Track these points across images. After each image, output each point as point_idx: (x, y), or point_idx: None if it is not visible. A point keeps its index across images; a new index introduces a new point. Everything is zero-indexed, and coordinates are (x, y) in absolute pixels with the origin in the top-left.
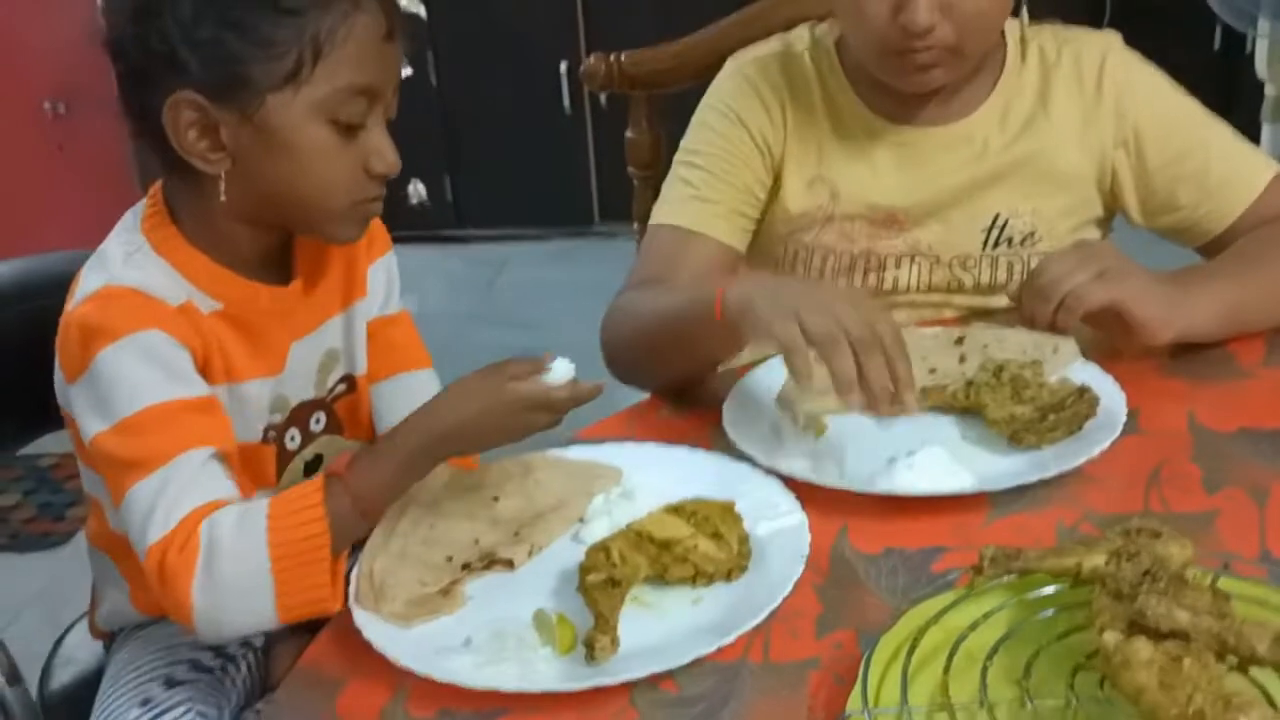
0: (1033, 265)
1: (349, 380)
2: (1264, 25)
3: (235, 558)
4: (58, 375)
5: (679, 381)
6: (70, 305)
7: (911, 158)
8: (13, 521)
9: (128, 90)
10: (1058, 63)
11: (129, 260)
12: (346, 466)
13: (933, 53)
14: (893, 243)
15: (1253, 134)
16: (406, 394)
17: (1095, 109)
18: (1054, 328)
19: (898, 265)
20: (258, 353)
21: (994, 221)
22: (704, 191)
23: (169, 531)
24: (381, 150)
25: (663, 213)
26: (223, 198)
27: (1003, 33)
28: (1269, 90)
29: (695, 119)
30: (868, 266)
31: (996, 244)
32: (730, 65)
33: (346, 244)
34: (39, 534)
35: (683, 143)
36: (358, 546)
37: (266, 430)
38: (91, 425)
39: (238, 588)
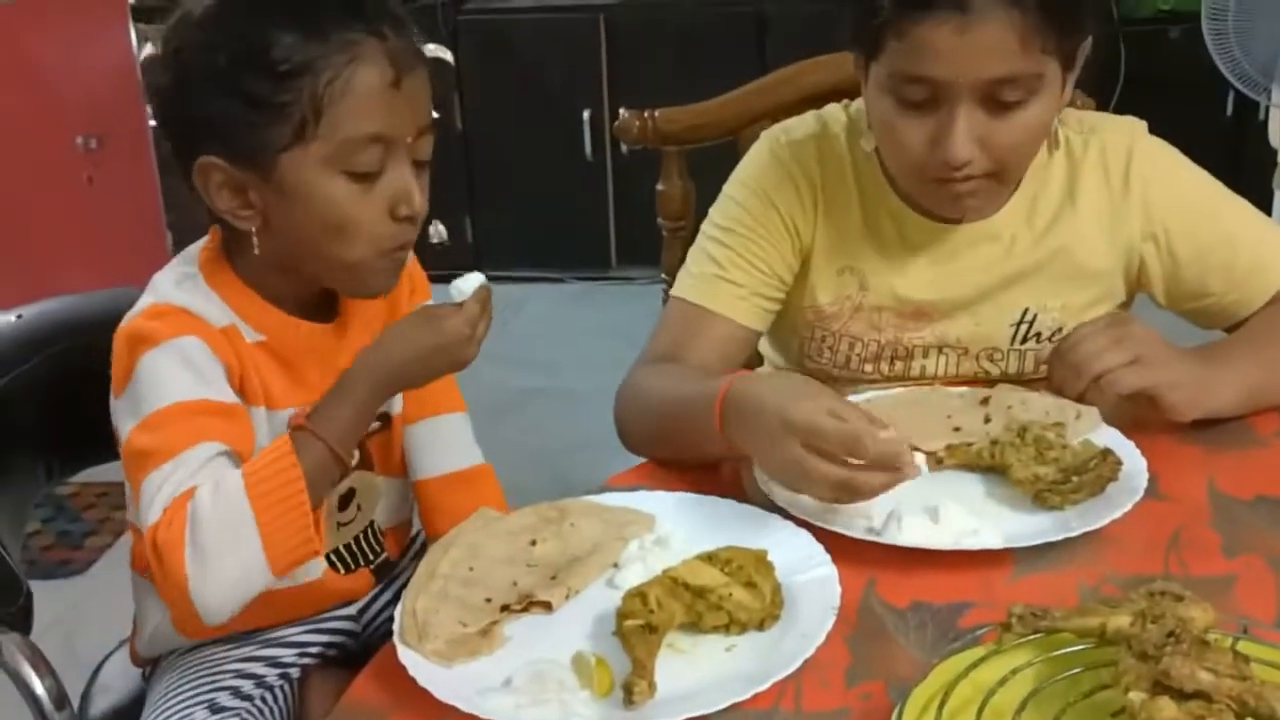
0: None
1: (384, 418)
2: (1277, 94)
3: (218, 520)
4: (112, 398)
5: (694, 463)
6: (121, 324)
7: (941, 254)
8: (31, 549)
9: (174, 154)
10: (1084, 155)
11: (180, 285)
12: (308, 418)
13: (970, 183)
14: (920, 334)
15: (1264, 201)
16: (438, 437)
17: (1123, 202)
18: (1081, 400)
19: (925, 355)
20: (295, 384)
21: (1023, 316)
22: (728, 272)
23: (162, 514)
24: (405, 193)
25: (685, 286)
26: (255, 251)
27: None
28: None
29: (726, 191)
30: (895, 355)
31: (1025, 339)
32: (765, 142)
33: (380, 295)
34: (57, 562)
35: (711, 213)
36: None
37: None
38: (126, 426)
39: (225, 549)
